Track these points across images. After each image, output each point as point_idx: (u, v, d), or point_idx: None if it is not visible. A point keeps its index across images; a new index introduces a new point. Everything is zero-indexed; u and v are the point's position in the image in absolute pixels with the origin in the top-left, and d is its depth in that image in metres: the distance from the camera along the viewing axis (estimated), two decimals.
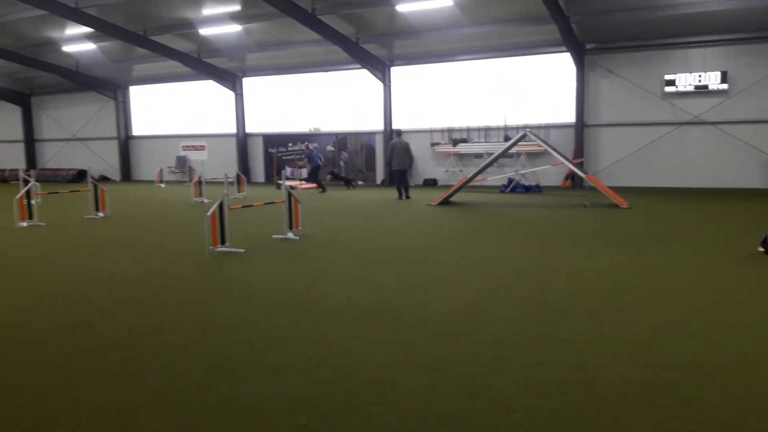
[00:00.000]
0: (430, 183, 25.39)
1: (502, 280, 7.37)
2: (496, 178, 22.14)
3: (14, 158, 35.43)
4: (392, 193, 21.04)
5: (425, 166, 25.78)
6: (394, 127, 25.48)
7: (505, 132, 23.94)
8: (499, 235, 11.21)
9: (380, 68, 25.43)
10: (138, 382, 4.24)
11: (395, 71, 25.84)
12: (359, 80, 26.43)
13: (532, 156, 23.68)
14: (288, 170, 28.04)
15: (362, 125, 26.90)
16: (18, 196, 13.18)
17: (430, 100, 25.52)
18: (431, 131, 25.31)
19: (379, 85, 25.76)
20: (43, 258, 9.33)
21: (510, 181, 22.08)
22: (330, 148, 27.26)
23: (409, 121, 25.80)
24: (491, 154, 21.16)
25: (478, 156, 24.06)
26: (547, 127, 23.43)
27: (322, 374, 4.29)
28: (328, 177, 24.75)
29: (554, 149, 16.91)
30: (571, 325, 5.42)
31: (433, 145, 25.28)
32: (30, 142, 35.43)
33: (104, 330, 5.52)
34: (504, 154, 18.01)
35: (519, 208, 15.98)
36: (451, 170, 24.97)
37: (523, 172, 22.48)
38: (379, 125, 26.28)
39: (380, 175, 26.57)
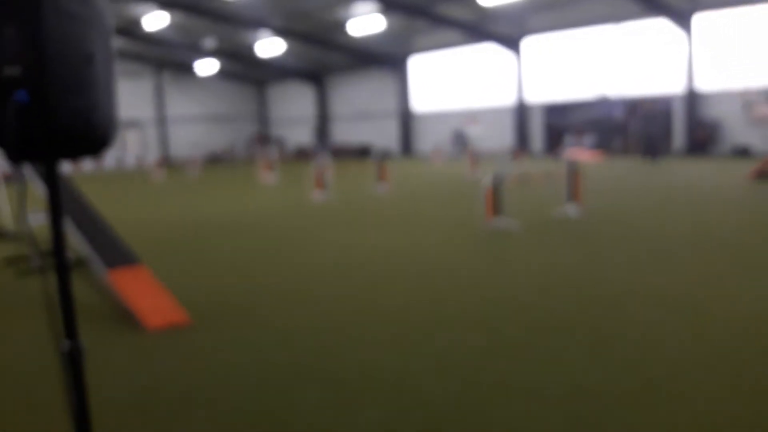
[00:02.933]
0: (740, 152, 22.39)
1: None
2: None
3: (309, 134, 40.56)
4: (689, 166, 19.24)
5: (735, 132, 22.78)
6: (696, 86, 23.01)
7: None
8: None
9: (680, 17, 22.97)
10: (413, 350, 4.58)
11: (699, 19, 23.03)
12: (653, 35, 24.31)
13: None
14: (569, 140, 27.26)
15: (657, 89, 24.79)
16: (312, 169, 15.11)
17: (744, 53, 22.36)
18: (744, 92, 22.23)
19: (677, 37, 23.32)
20: (333, 228, 10.55)
21: None
22: (618, 115, 25.72)
23: (715, 79, 23.01)
24: None
25: None
26: None
27: (606, 365, 4.14)
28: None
29: None
30: None
31: (745, 106, 22.18)
32: (323, 118, 40.15)
33: (383, 298, 6.06)
34: None
35: None
36: None
37: None
38: (677, 87, 23.92)
39: (678, 143, 24.27)
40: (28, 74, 1.79)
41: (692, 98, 23.29)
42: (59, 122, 1.86)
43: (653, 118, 23.76)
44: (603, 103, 26.28)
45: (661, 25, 23.53)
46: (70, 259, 7.91)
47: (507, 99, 29.92)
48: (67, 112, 1.87)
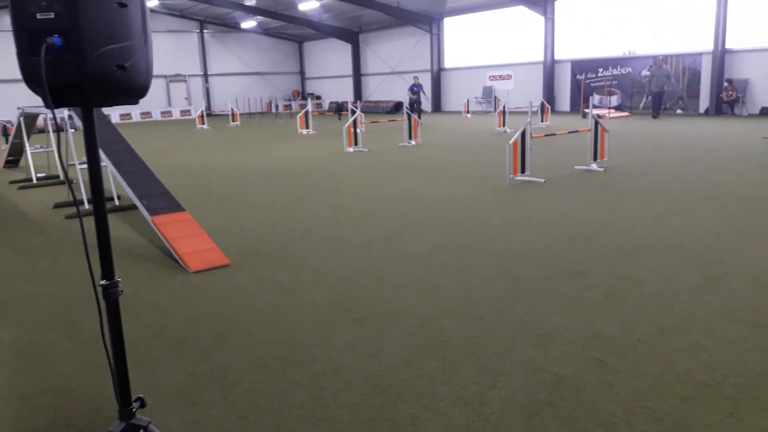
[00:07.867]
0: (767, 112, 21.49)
1: None
2: None
3: (345, 91, 40.17)
4: (715, 123, 18.64)
5: (763, 90, 21.80)
6: (728, 45, 22.03)
7: None
8: None
9: None
10: (437, 294, 4.58)
11: None
12: None
13: None
14: (596, 98, 26.50)
15: (683, 46, 23.78)
16: (347, 124, 14.98)
17: None
18: None
19: None
20: (364, 180, 10.52)
21: None
22: (645, 72, 24.83)
23: (746, 36, 21.93)
24: None
25: None
26: None
27: (621, 312, 4.08)
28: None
29: None
30: None
31: None
32: (357, 76, 39.66)
33: (410, 245, 6.05)
34: None
35: None
36: None
37: None
38: (706, 45, 22.89)
39: (705, 103, 23.40)
40: (61, 20, 1.75)
41: (721, 56, 22.32)
42: (92, 68, 1.83)
43: (661, 76, 22.71)
44: (631, 61, 25.39)
45: None
46: (113, 204, 8.06)
47: (536, 56, 29.10)
48: (100, 58, 1.83)
